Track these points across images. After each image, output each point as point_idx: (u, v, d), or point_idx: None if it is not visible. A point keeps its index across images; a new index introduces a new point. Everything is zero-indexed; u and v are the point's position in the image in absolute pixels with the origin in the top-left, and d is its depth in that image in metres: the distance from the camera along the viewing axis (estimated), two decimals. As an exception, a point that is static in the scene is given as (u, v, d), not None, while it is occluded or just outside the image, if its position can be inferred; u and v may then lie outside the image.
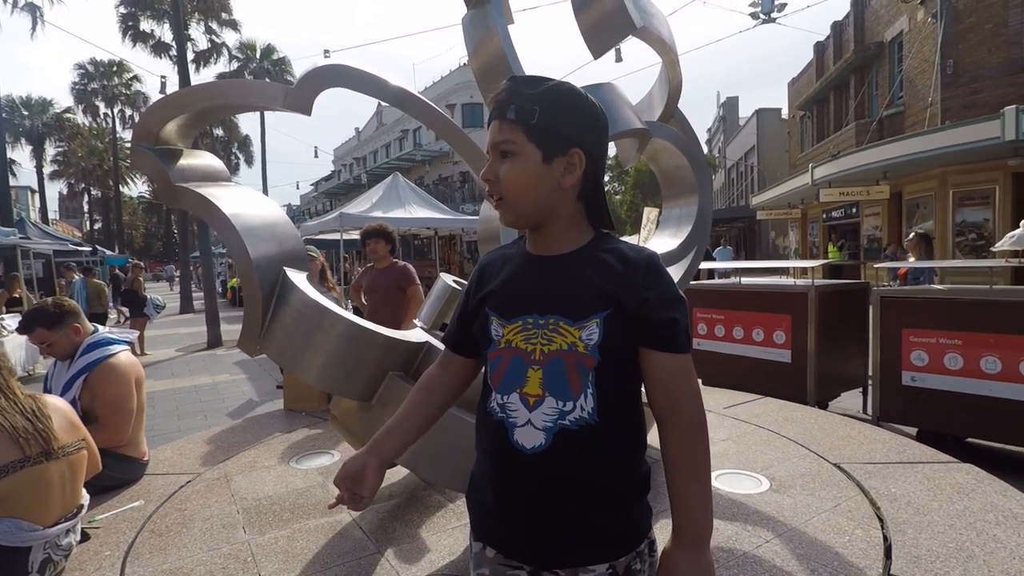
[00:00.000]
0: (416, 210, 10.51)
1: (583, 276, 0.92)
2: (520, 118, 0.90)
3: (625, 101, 2.73)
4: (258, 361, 7.84)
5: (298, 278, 2.06)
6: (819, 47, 20.44)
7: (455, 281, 3.18)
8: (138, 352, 8.98)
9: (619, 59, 13.90)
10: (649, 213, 18.66)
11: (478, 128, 30.58)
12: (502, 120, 0.92)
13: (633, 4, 2.56)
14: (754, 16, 12.85)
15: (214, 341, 10.07)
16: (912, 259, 6.00)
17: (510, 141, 0.91)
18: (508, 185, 0.93)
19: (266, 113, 29.08)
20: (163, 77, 15.21)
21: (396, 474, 2.75)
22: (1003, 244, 4.08)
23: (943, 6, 12.59)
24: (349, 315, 2.03)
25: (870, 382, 4.59)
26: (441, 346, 2.30)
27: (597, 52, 2.69)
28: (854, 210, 17.23)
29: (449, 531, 2.25)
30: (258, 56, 27.28)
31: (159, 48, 20.63)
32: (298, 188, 40.15)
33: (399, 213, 9.91)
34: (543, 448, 0.89)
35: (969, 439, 3.93)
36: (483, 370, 1.03)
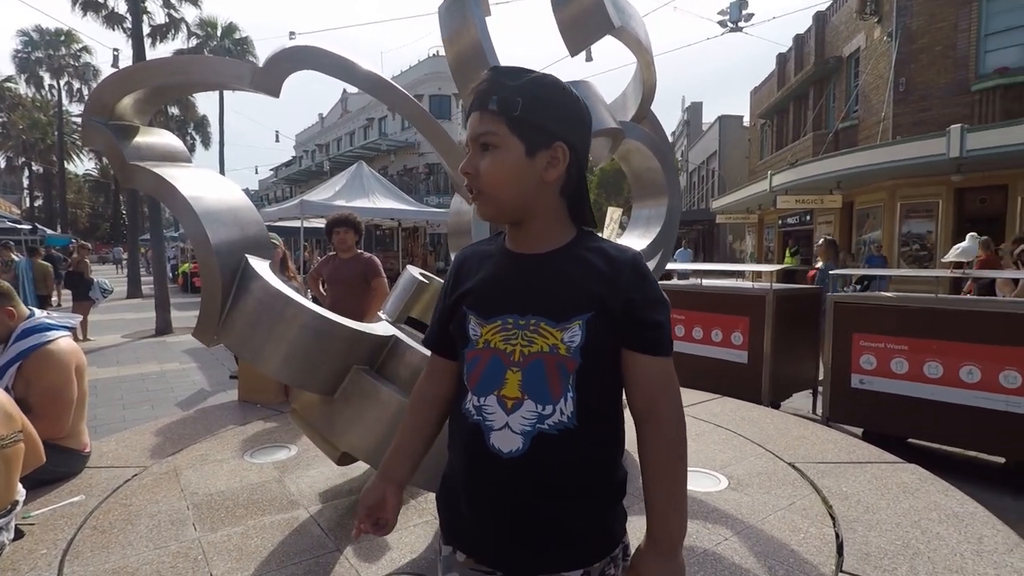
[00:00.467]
0: (380, 200, 10.33)
1: (566, 276, 0.90)
2: (503, 109, 0.87)
3: (600, 100, 2.74)
4: (210, 350, 7.57)
5: (261, 266, 1.98)
6: (781, 58, 21.02)
7: (422, 274, 3.12)
8: (80, 337, 8.55)
9: (589, 58, 13.96)
10: (612, 213, 18.89)
11: (444, 120, 30.30)
12: (483, 111, 0.89)
13: (612, 3, 2.55)
14: (722, 24, 13.13)
15: (163, 328, 9.68)
16: (820, 263, 6.30)
17: (491, 133, 0.88)
18: (489, 179, 0.89)
19: (226, 93, 28.14)
20: (116, 50, 14.48)
21: (356, 469, 2.68)
22: (949, 256, 4.29)
23: (898, 26, 13.12)
24: (314, 306, 1.96)
25: (820, 384, 4.75)
26: (409, 341, 2.27)
27: (574, 49, 2.68)
28: (808, 217, 17.83)
29: (411, 528, 2.21)
30: (219, 34, 26.29)
31: (112, 19, 19.60)
32: (257, 172, 39.11)
33: (363, 203, 9.71)
34: (520, 453, 0.86)
35: (910, 440, 4.11)
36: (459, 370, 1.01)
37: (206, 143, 29.98)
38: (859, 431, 4.20)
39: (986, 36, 12.20)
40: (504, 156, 0.88)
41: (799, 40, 19.33)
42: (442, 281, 3.32)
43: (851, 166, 12.54)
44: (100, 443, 3.12)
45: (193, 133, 29.65)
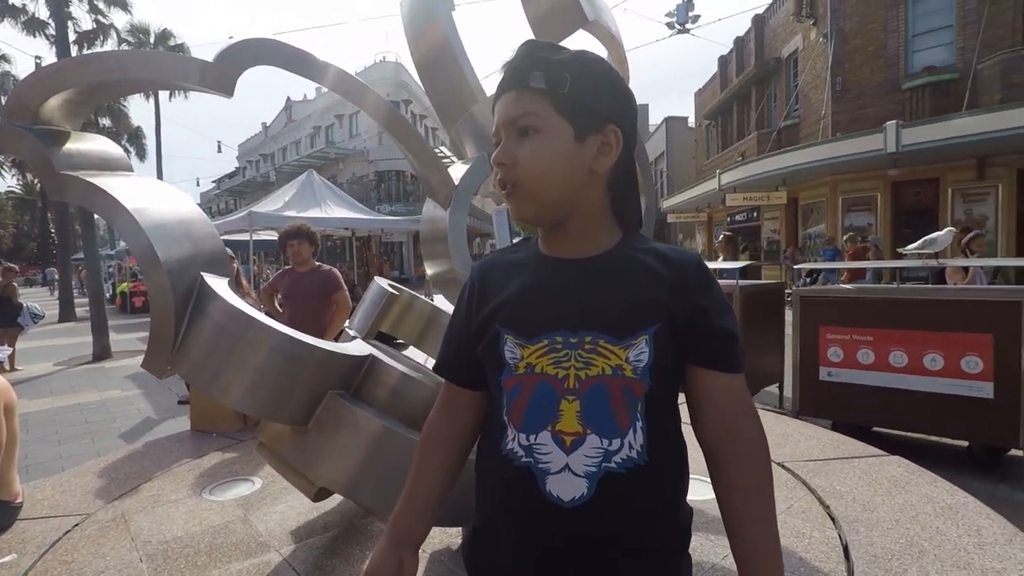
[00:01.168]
0: (333, 209, 9.97)
1: (624, 283, 0.76)
2: (550, 86, 0.73)
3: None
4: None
5: (219, 284, 1.77)
6: (723, 60, 21.67)
7: (391, 285, 2.95)
8: (7, 368, 7.87)
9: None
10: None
11: (394, 127, 29.83)
12: (522, 89, 0.75)
13: (584, -4, 2.46)
14: (670, 26, 13.37)
15: (101, 353, 9.03)
16: (721, 258, 6.49)
17: (533, 114, 0.74)
18: (530, 169, 0.75)
19: (162, 102, 26.83)
20: (38, 58, 13.58)
21: (330, 502, 2.48)
22: (915, 246, 4.41)
23: (832, 28, 13.70)
24: (283, 327, 1.76)
25: (788, 377, 4.80)
26: (387, 359, 2.09)
27: (545, 44, 2.57)
28: (755, 214, 18.39)
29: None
30: (152, 41, 25.05)
31: (33, 25, 18.28)
32: (198, 185, 37.43)
33: (315, 212, 9.34)
34: (586, 499, 0.72)
35: (876, 428, 4.18)
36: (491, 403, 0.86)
37: (141, 155, 28.52)
38: (828, 423, 4.24)
39: (913, 37, 12.87)
40: (549, 141, 0.74)
41: (739, 42, 19.97)
42: (411, 292, 3.11)
43: (794, 163, 13.00)
44: (33, 488, 2.79)
45: (127, 145, 28.13)
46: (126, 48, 23.61)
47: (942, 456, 3.80)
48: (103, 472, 3.03)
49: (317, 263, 4.08)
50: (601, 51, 2.81)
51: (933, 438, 4.02)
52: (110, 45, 22.12)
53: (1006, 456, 3.78)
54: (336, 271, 4.11)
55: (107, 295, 12.85)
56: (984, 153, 11.05)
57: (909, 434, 4.10)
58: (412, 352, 3.02)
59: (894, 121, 10.96)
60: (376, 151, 28.54)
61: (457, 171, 2.39)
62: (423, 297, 3.08)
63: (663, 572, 0.77)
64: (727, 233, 6.81)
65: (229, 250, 4.70)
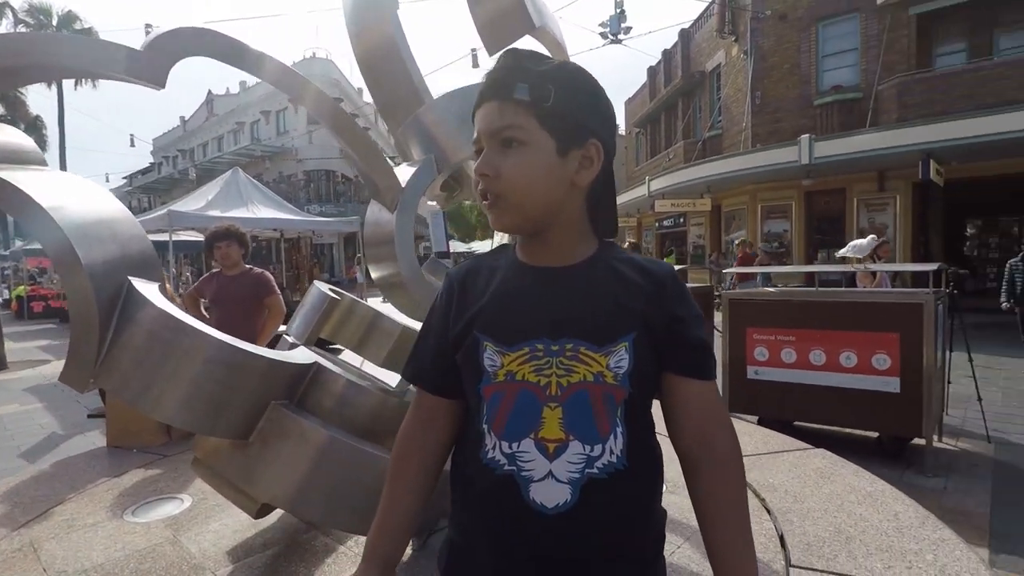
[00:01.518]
0: (260, 209, 9.52)
1: (604, 291, 0.77)
2: (534, 99, 0.72)
3: (521, 102, 2.65)
4: (57, 384, 6.52)
5: (149, 290, 1.64)
6: (652, 71, 22.48)
7: (331, 289, 2.85)
8: None
9: (476, 64, 13.99)
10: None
11: (315, 125, 28.97)
12: (505, 101, 0.74)
13: (531, 1, 2.47)
14: (603, 36, 13.74)
15: (-4, 363, 8.22)
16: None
17: (518, 127, 0.74)
18: (514, 181, 0.74)
19: (67, 90, 24.81)
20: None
21: (270, 518, 2.35)
22: (845, 251, 4.74)
23: (752, 46, 14.51)
24: (220, 334, 1.66)
25: (718, 376, 5.03)
26: (332, 366, 2.02)
27: (493, 48, 2.55)
28: (682, 220, 19.18)
29: (345, 579, 1.96)
30: (54, 23, 23.12)
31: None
32: (107, 181, 34.69)
33: (241, 212, 8.89)
34: (570, 506, 0.72)
35: (796, 423, 4.45)
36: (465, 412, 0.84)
37: (41, 147, 26.31)
38: (755, 419, 4.47)
39: (823, 57, 13.84)
40: (533, 154, 0.74)
41: (667, 54, 20.78)
42: (351, 297, 3.02)
43: (718, 172, 13.66)
44: (-80, 518, 2.49)
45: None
46: (23, 28, 21.67)
47: (857, 447, 4.09)
48: (4, 496, 2.74)
49: (248, 266, 3.89)
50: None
51: (848, 430, 4.31)
52: (6, 24, 20.23)
53: (910, 445, 4.12)
54: (268, 274, 3.93)
55: (1, 299, 11.68)
56: (884, 167, 12.02)
57: (826, 427, 4.38)
58: (348, 356, 2.94)
59: (807, 135, 11.74)
60: (306, 150, 27.60)
61: (403, 173, 2.34)
62: (363, 301, 3.01)
63: (639, 572, 0.78)
64: (631, 240, 7.07)
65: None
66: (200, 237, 8.49)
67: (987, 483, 3.65)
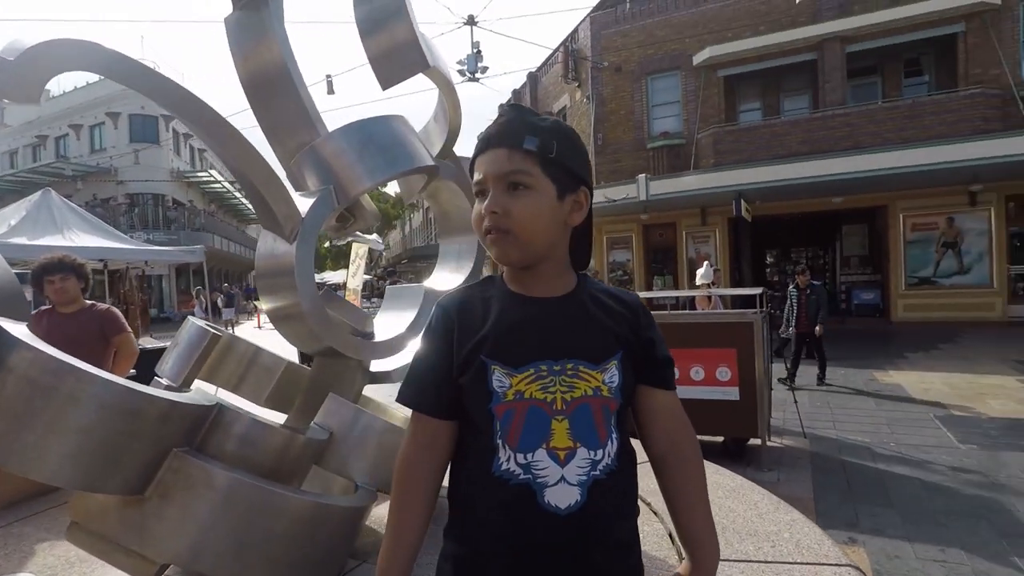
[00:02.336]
0: (80, 237, 8.26)
1: (594, 317, 0.90)
2: (541, 150, 0.85)
3: (416, 135, 2.71)
4: None
5: (18, 330, 1.43)
6: (502, 109, 23.59)
7: (208, 325, 2.64)
8: None
9: (331, 91, 13.66)
10: (358, 249, 18.62)
11: (151, 144, 26.12)
12: (514, 149, 0.85)
13: (423, 41, 2.57)
14: (461, 73, 14.22)
15: None
16: None
17: (525, 173, 0.85)
18: (522, 220, 0.85)
19: None
20: None
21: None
22: (697, 280, 5.38)
23: (593, 92, 15.97)
24: (111, 376, 1.48)
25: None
26: (234, 407, 1.87)
27: (386, 83, 2.60)
28: (536, 250, 20.18)
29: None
30: None
31: None
32: None
33: (55, 240, 7.65)
34: (580, 505, 0.82)
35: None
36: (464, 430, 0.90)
37: None
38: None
39: (653, 107, 15.63)
40: (538, 198, 0.86)
41: (516, 94, 21.98)
42: (230, 333, 2.85)
43: (569, 206, 14.68)
44: None
45: None
46: None
47: (707, 450, 4.60)
48: None
49: (89, 302, 3.43)
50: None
51: (699, 436, 4.86)
52: None
53: (748, 445, 4.76)
54: (115, 310, 3.50)
55: None
56: (705, 204, 13.83)
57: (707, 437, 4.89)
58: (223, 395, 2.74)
59: (643, 175, 13.14)
60: (128, 171, 24.57)
61: (300, 203, 2.28)
62: (241, 337, 2.83)
63: (633, 563, 0.91)
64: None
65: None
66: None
67: (808, 472, 4.35)
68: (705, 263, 5.75)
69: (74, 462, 1.41)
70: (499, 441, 0.84)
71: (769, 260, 18.45)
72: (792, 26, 13.60)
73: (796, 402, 5.40)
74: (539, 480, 0.82)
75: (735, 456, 4.61)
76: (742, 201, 11.68)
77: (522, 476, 0.83)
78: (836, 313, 14.10)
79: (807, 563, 2.03)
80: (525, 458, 0.83)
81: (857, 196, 12.72)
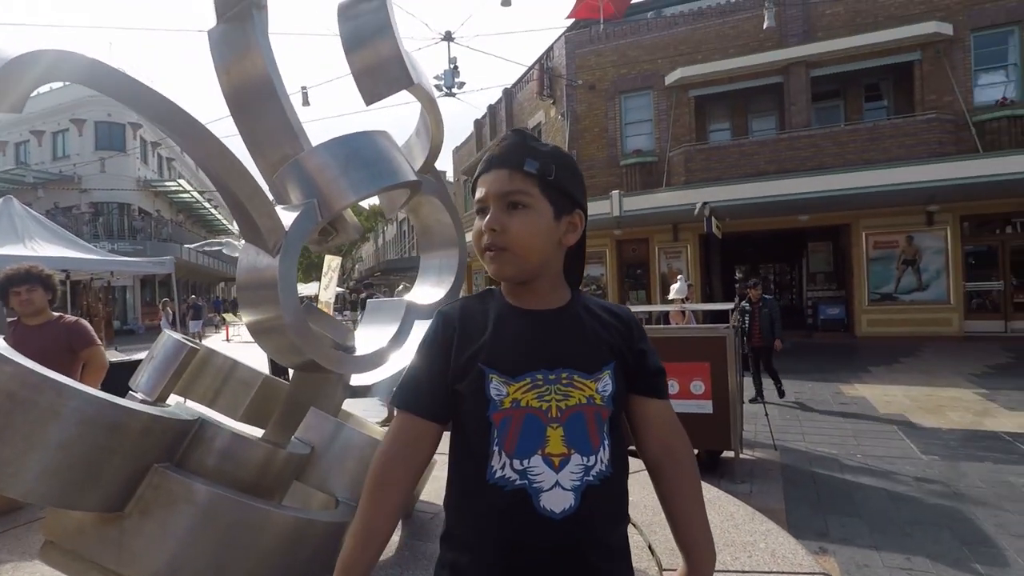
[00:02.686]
0: (43, 247, 7.99)
1: (588, 329, 0.94)
2: (541, 173, 0.89)
3: (399, 150, 2.73)
4: None
5: (-4, 343, 1.40)
6: (478, 123, 23.76)
7: (184, 338, 2.61)
8: None
9: (306, 103, 13.60)
10: (330, 261, 18.47)
11: (118, 152, 25.52)
12: (515, 170, 0.90)
13: (407, 57, 2.60)
14: (438, 88, 14.30)
15: None
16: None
17: (525, 193, 0.90)
18: (518, 238, 0.89)
19: None
20: None
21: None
22: (671, 295, 5.48)
23: (568, 109, 16.21)
24: (91, 389, 1.46)
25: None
26: (216, 421, 1.85)
27: (370, 99, 2.62)
28: (511, 264, 20.25)
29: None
30: None
31: None
32: None
33: (15, 249, 7.39)
34: (573, 510, 0.85)
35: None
36: (453, 436, 0.92)
37: None
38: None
39: (626, 124, 15.94)
40: (536, 217, 0.90)
41: (492, 109, 22.19)
42: (206, 347, 2.83)
43: (544, 220, 14.82)
44: None
45: None
46: None
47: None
48: None
49: (56, 314, 3.34)
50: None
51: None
52: None
53: (721, 457, 4.85)
54: (84, 322, 3.41)
55: None
56: (677, 220, 14.09)
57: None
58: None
59: (617, 191, 13.35)
60: (93, 179, 23.93)
61: (283, 216, 2.28)
62: (217, 351, 2.79)
63: (625, 562, 0.94)
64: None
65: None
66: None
67: (779, 484, 4.44)
68: (679, 278, 5.88)
69: (53, 478, 1.38)
70: (495, 448, 0.87)
71: (739, 276, 18.88)
72: (760, 50, 14.07)
73: (767, 415, 5.52)
74: (535, 485, 0.85)
75: (709, 468, 4.68)
76: (712, 218, 11.95)
77: (518, 482, 0.86)
78: (803, 328, 14.49)
79: (782, 572, 2.09)
80: (521, 464, 0.86)
81: (822, 214, 13.14)
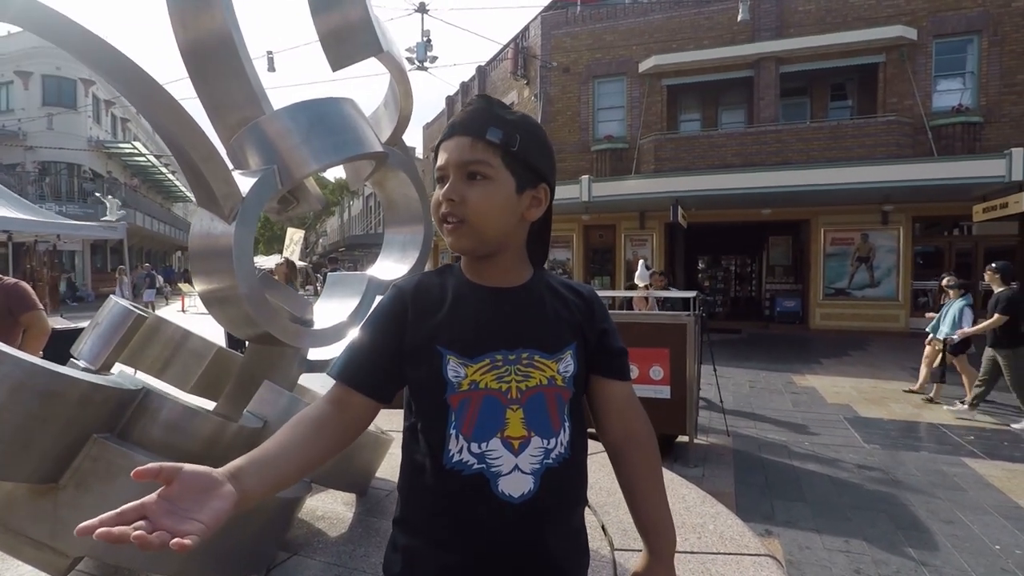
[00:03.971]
0: (-20, 205, 7.57)
1: (549, 307, 0.91)
2: (504, 143, 0.84)
3: (367, 120, 2.65)
4: None
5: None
6: (450, 100, 23.37)
7: (132, 305, 2.49)
8: None
9: (272, 68, 13.10)
10: (293, 234, 18.05)
11: (68, 109, 24.18)
12: (477, 139, 0.85)
13: (377, 24, 2.51)
14: (410, 61, 13.96)
15: None
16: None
17: (485, 163, 0.85)
18: (478, 210, 0.85)
19: None
20: None
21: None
22: (636, 280, 5.51)
23: (541, 90, 16.09)
24: (25, 355, 1.37)
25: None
26: (162, 391, 1.77)
27: (336, 64, 2.53)
28: (478, 245, 20.16)
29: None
30: None
31: None
32: None
33: (-49, 207, 6.98)
34: (533, 493, 0.83)
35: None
36: (414, 419, 0.89)
37: None
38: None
39: (598, 110, 15.91)
40: (496, 189, 0.85)
41: (465, 87, 21.83)
42: (156, 315, 2.72)
43: (513, 202, 14.76)
44: None
45: None
46: None
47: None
48: None
49: (-6, 276, 3.15)
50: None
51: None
52: None
53: (676, 442, 4.96)
54: (25, 285, 3.23)
55: None
56: (644, 208, 14.24)
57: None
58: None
59: (586, 176, 13.36)
60: (40, 136, 22.64)
61: (240, 182, 2.18)
62: (171, 321, 2.69)
63: (582, 546, 0.93)
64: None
65: None
66: None
67: (730, 469, 4.58)
68: (640, 263, 5.94)
69: (-21, 447, 1.29)
70: (452, 431, 0.84)
71: (701, 265, 19.23)
72: (732, 43, 14.19)
73: (722, 401, 5.66)
74: (493, 469, 0.83)
75: (664, 452, 4.78)
76: (679, 208, 12.10)
77: (476, 466, 0.83)
78: (760, 319, 14.90)
79: (729, 553, 2.15)
80: (479, 447, 0.83)
81: (784, 209, 13.46)
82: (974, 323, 6.26)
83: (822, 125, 13.62)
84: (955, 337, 6.24)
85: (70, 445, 1.43)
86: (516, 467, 0.83)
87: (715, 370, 5.77)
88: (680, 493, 2.73)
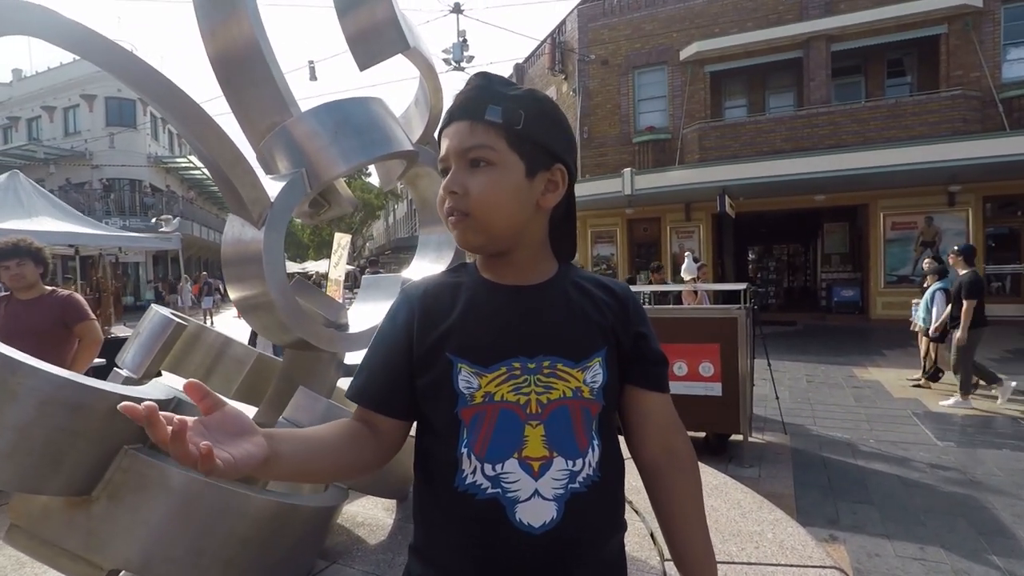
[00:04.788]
0: (47, 222, 7.96)
1: (575, 308, 0.80)
2: (505, 121, 0.74)
3: (395, 118, 2.60)
4: None
5: (-50, 317, 1.31)
6: (488, 100, 23.42)
7: (173, 313, 2.52)
8: None
9: (313, 78, 13.39)
10: (340, 239, 18.36)
11: (128, 128, 25.50)
12: (476, 121, 0.75)
13: (403, 21, 2.46)
14: (447, 62, 14.03)
15: None
16: None
17: (487, 147, 0.74)
18: (482, 200, 0.75)
19: None
20: None
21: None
22: (683, 274, 5.34)
23: (580, 85, 15.86)
24: (55, 368, 1.37)
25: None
26: (192, 402, 1.76)
27: (363, 64, 2.49)
28: (520, 243, 20.09)
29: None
30: None
31: None
32: None
33: (22, 224, 7.35)
34: (556, 523, 0.73)
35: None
36: (411, 437, 0.81)
37: None
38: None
39: (639, 101, 15.58)
40: (501, 175, 0.75)
41: (503, 86, 21.81)
42: (196, 322, 2.74)
43: (553, 199, 14.61)
44: None
45: None
46: None
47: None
48: None
49: (49, 288, 3.27)
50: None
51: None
52: None
53: (730, 440, 4.74)
54: (78, 296, 3.35)
55: None
56: (690, 199, 13.84)
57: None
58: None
59: (629, 168, 13.08)
60: (104, 155, 23.95)
61: (270, 186, 2.16)
62: (209, 327, 2.71)
63: None
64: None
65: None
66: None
67: (789, 468, 4.33)
68: (688, 256, 5.72)
69: (9, 461, 1.29)
70: (464, 450, 0.75)
71: (751, 256, 18.58)
72: (778, 23, 13.61)
73: (778, 398, 5.39)
74: (509, 495, 0.73)
75: (716, 452, 4.58)
76: (726, 197, 11.68)
77: (490, 490, 0.73)
78: (816, 310, 14.25)
79: (791, 565, 1.99)
80: (493, 469, 0.74)
81: (839, 194, 12.80)
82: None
83: (879, 104, 12.88)
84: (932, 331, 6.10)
85: (101, 457, 1.42)
86: (536, 492, 0.73)
87: (769, 364, 5.50)
88: (734, 498, 2.57)
